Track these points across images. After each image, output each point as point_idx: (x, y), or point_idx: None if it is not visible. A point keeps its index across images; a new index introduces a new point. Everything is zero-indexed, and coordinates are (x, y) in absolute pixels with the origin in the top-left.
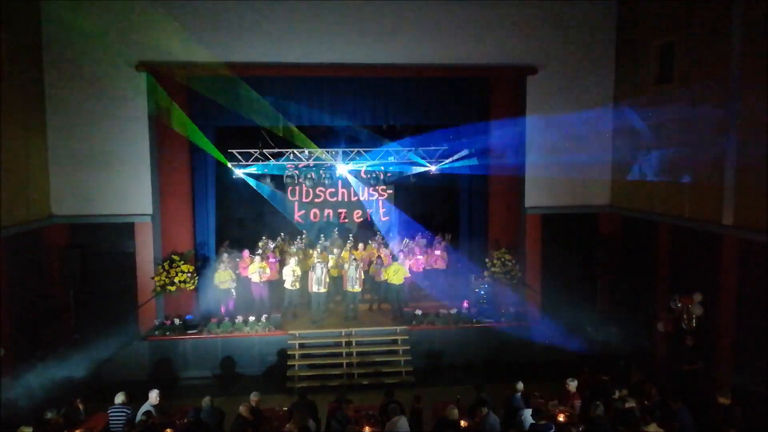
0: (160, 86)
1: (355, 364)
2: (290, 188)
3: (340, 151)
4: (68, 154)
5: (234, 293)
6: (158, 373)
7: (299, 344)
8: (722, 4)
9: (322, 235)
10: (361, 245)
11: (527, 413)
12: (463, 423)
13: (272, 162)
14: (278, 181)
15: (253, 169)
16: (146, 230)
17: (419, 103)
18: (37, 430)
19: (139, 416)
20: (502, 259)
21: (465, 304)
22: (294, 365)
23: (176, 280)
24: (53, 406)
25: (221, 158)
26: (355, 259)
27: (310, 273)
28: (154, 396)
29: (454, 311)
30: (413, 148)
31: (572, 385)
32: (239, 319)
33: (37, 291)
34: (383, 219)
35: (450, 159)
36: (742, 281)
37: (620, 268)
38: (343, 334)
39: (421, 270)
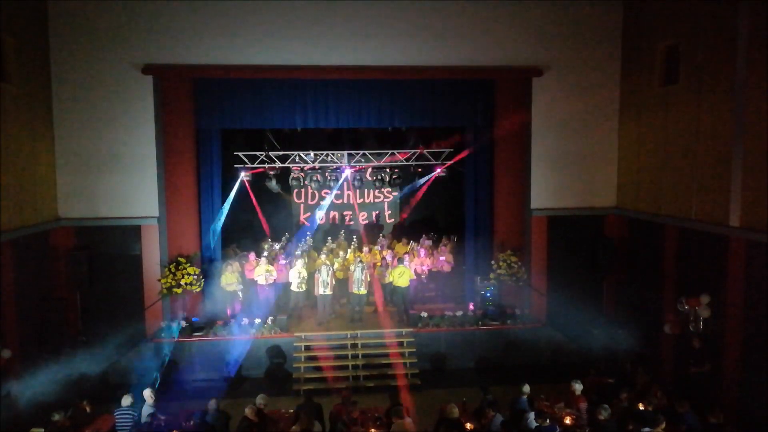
0: (165, 89)
1: (361, 366)
2: (296, 190)
3: (345, 153)
4: (75, 156)
5: (241, 295)
6: (164, 375)
7: (305, 346)
8: (728, 6)
9: (328, 238)
10: (366, 247)
11: (533, 416)
12: (469, 426)
13: (278, 164)
14: (284, 183)
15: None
16: (152, 232)
17: (424, 105)
18: (45, 431)
19: (143, 418)
20: (508, 261)
21: (470, 307)
22: (300, 367)
23: (182, 282)
24: (60, 408)
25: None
26: (360, 261)
27: (315, 275)
28: (148, 395)
29: (459, 313)
30: (418, 150)
31: (577, 387)
32: (245, 321)
33: (44, 293)
34: (388, 221)
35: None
36: (749, 283)
37: (626, 270)
38: (348, 336)
39: (426, 272)
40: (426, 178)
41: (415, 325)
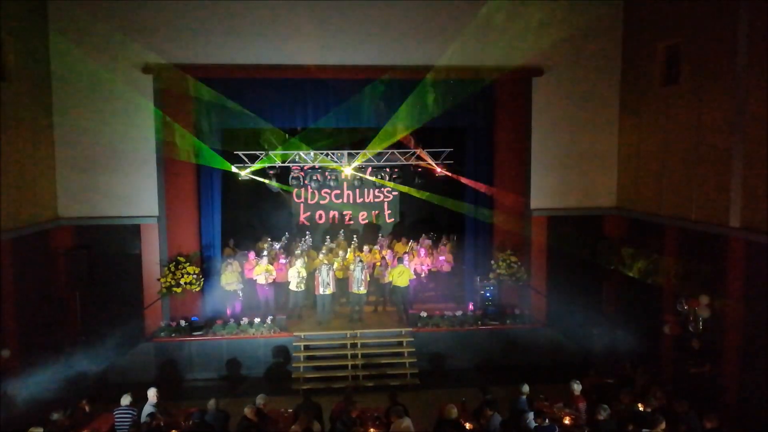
0: (165, 88)
1: (360, 366)
2: (296, 190)
3: (345, 153)
4: (75, 156)
5: (241, 295)
6: (164, 375)
7: (304, 346)
8: (728, 6)
9: (327, 237)
10: (366, 247)
11: (532, 416)
12: (468, 426)
13: (278, 164)
14: (284, 182)
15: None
16: (152, 232)
17: (424, 105)
18: (45, 430)
19: (143, 418)
20: (508, 261)
21: (470, 306)
22: (299, 367)
23: (182, 281)
24: (59, 407)
25: (225, 165)
26: (360, 260)
27: (315, 275)
28: (152, 394)
29: (459, 313)
30: (418, 150)
31: (576, 387)
32: (244, 320)
33: (43, 292)
34: (388, 221)
35: None
36: (749, 283)
37: (626, 270)
38: (348, 335)
39: (426, 272)
40: None
41: (414, 325)
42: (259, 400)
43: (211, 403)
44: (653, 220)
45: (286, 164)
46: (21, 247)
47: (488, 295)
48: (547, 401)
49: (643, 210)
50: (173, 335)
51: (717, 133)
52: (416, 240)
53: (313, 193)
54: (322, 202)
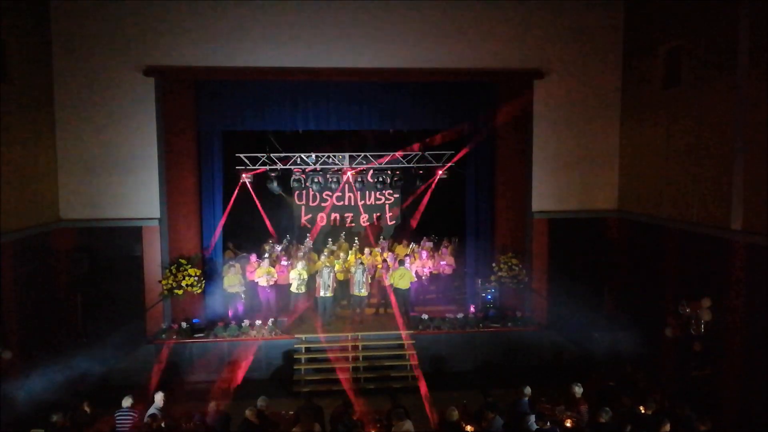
0: (167, 90)
1: (362, 368)
2: (297, 192)
3: (346, 155)
4: (77, 158)
5: (243, 297)
6: (165, 377)
7: (305, 348)
8: (729, 8)
9: (329, 239)
10: (367, 249)
11: (533, 418)
12: (469, 428)
13: (279, 166)
14: (285, 185)
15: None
16: (154, 234)
17: (426, 108)
18: None
19: (145, 419)
20: (509, 264)
21: (471, 309)
22: (300, 369)
23: (183, 283)
24: (60, 409)
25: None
26: (361, 263)
27: (316, 277)
28: (159, 398)
29: (460, 316)
30: (420, 152)
31: (578, 390)
32: (246, 322)
33: (45, 294)
34: (390, 223)
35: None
36: (750, 286)
37: (627, 273)
38: (349, 338)
39: (427, 274)
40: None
41: (415, 328)
42: (260, 402)
43: (212, 405)
44: (654, 223)
45: (287, 167)
46: (22, 249)
47: (489, 297)
48: (549, 404)
49: (644, 212)
50: (174, 337)
51: (718, 136)
52: (417, 242)
53: (314, 196)
54: (323, 204)
